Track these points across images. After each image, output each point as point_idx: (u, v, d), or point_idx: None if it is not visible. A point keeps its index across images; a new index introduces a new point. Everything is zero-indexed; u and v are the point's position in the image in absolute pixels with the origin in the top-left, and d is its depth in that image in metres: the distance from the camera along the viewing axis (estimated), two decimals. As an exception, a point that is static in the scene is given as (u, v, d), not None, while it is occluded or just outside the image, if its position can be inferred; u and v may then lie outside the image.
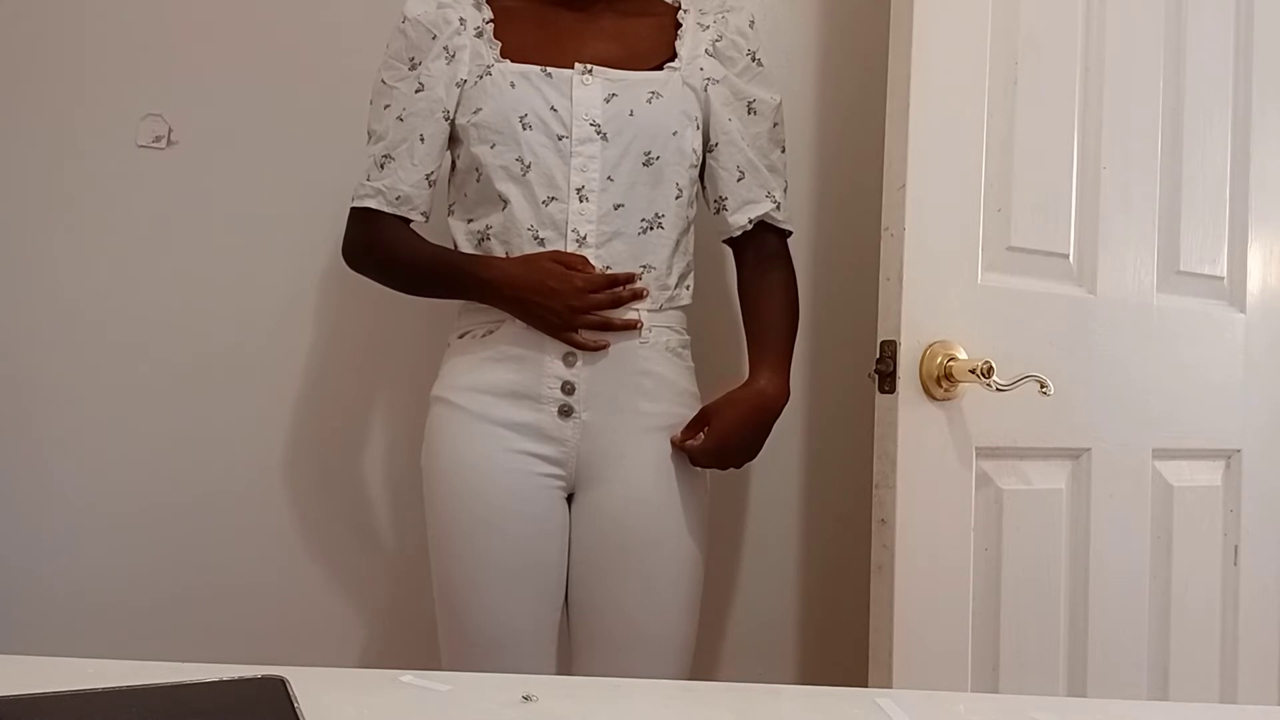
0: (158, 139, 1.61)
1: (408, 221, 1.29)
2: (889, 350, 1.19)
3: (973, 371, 1.17)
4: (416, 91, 1.26)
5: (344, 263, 1.33)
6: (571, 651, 1.29)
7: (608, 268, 1.25)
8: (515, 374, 1.24)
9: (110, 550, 1.60)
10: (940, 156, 1.22)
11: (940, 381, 1.20)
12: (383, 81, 1.28)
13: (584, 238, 1.24)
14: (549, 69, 1.26)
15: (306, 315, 1.63)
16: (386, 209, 1.27)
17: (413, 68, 1.26)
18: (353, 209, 1.29)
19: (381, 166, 1.27)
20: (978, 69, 1.25)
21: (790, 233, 1.38)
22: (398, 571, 1.65)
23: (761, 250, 1.36)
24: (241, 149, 1.62)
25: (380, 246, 1.30)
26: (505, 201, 1.24)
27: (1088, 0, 1.34)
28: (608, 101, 1.25)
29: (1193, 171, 1.43)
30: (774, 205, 1.34)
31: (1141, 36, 1.38)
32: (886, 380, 1.19)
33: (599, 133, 1.25)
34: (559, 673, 1.29)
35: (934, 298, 1.21)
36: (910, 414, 1.19)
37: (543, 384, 1.24)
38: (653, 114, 1.26)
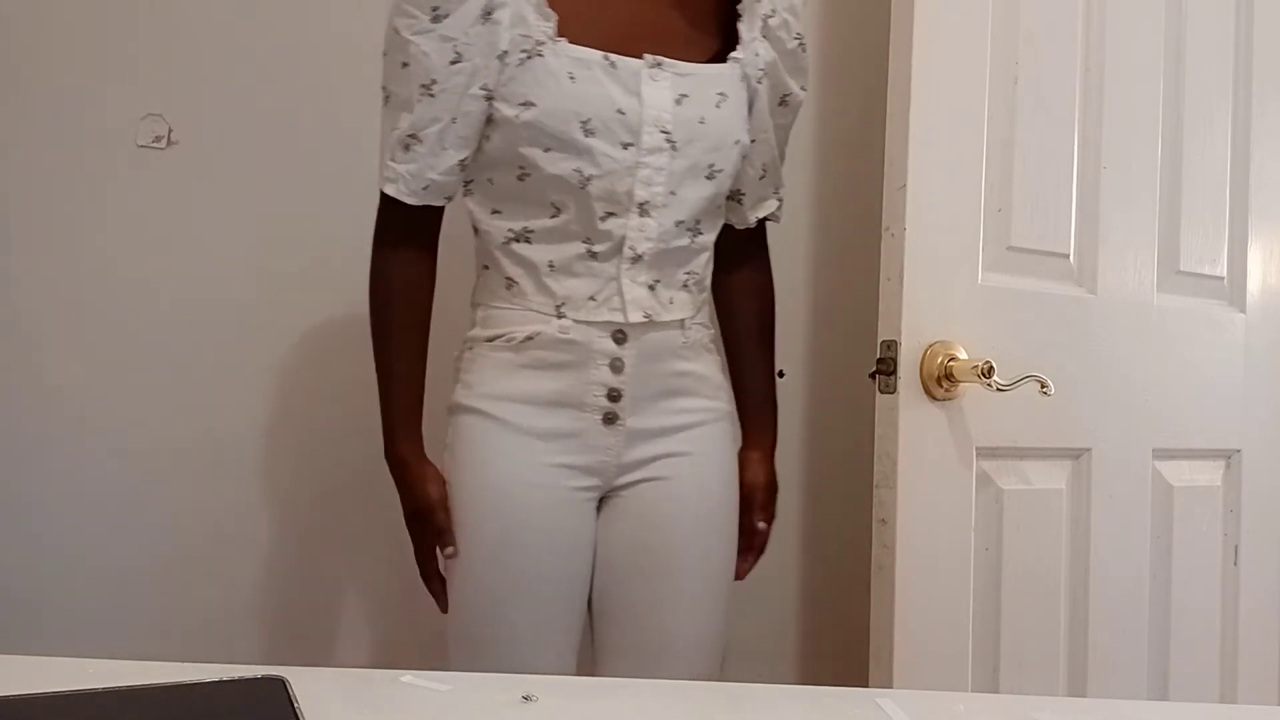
0: (158, 139, 1.61)
1: (431, 210, 1.15)
2: (889, 350, 1.19)
3: (973, 371, 1.17)
4: (452, 62, 1.05)
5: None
6: (595, 660, 1.23)
7: (658, 282, 1.15)
8: (558, 381, 1.13)
9: (110, 551, 1.60)
10: (940, 156, 1.22)
11: (941, 381, 1.20)
12: (397, 31, 1.06)
13: (639, 256, 1.12)
14: (611, 56, 1.08)
15: (308, 314, 1.63)
16: (410, 199, 1.10)
17: (436, 19, 1.04)
18: (381, 193, 1.14)
19: (406, 148, 1.08)
20: (978, 68, 1.25)
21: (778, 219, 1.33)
22: (398, 571, 1.64)
23: (749, 242, 1.29)
24: (241, 149, 1.62)
25: (399, 268, 1.16)
26: (557, 210, 1.11)
27: (1088, 0, 1.34)
28: (678, 104, 1.11)
29: (1193, 171, 1.43)
30: (779, 203, 1.29)
31: (1141, 36, 1.38)
32: (887, 380, 1.19)
33: (669, 141, 1.10)
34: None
35: (934, 298, 1.21)
36: (911, 414, 1.19)
37: (588, 391, 1.13)
38: (721, 121, 1.14)
